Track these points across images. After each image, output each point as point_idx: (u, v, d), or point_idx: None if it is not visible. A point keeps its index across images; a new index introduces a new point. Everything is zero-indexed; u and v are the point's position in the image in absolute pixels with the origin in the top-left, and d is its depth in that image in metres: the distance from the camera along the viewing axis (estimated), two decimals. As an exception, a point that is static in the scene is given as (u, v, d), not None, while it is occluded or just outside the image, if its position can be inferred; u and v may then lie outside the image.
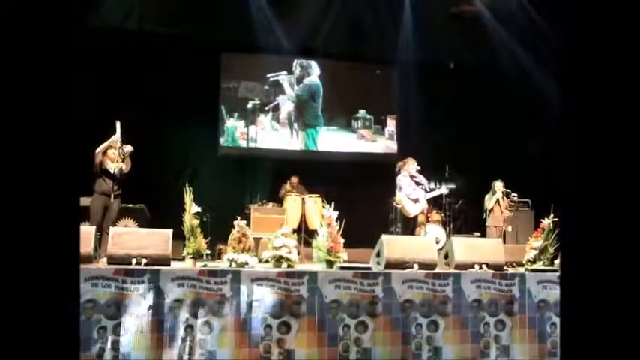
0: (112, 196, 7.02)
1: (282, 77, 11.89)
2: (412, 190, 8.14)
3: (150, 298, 4.58)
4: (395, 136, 12.52)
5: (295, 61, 12.00)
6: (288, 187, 10.51)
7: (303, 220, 9.78)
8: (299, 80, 12.05)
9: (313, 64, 12.10)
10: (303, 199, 9.94)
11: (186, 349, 4.58)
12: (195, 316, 4.63)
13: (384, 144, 12.51)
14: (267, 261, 5.23)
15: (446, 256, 5.79)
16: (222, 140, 11.68)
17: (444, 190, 9.39)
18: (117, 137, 6.98)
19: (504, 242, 8.26)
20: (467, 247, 5.74)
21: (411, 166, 8.22)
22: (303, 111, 12.07)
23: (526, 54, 10.48)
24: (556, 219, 5.81)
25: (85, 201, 7.67)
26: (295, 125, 12.05)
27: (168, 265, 4.88)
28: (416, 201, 8.20)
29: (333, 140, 12.24)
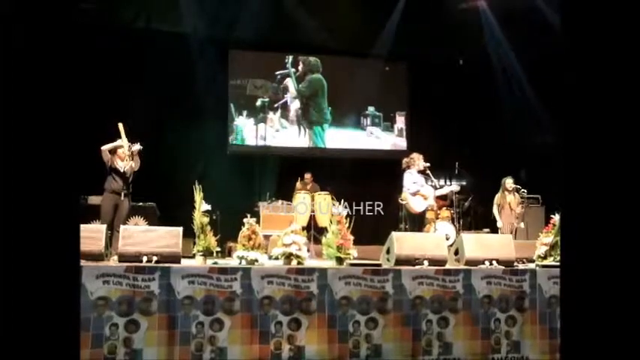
0: (123, 194, 7.06)
1: (288, 79, 11.91)
2: (420, 187, 8.09)
3: (161, 296, 4.60)
4: (404, 133, 12.51)
5: (298, 57, 12.01)
6: (298, 184, 10.51)
7: (312, 217, 9.79)
8: (302, 77, 12.05)
9: (316, 60, 12.09)
10: (312, 196, 9.95)
11: (197, 346, 4.60)
12: (206, 313, 4.65)
13: (393, 141, 12.50)
14: (277, 258, 5.23)
15: (456, 253, 5.77)
16: (231, 138, 11.72)
17: (454, 187, 9.33)
18: (123, 140, 7.01)
19: (515, 238, 8.22)
20: (477, 244, 5.73)
21: (418, 162, 8.16)
22: (308, 108, 12.08)
23: (535, 47, 10.42)
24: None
25: (95, 199, 7.75)
26: (303, 123, 12.07)
27: (179, 262, 4.90)
28: (422, 197, 8.14)
29: (342, 137, 12.24)
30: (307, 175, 10.65)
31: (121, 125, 6.97)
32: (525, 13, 10.16)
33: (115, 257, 5.12)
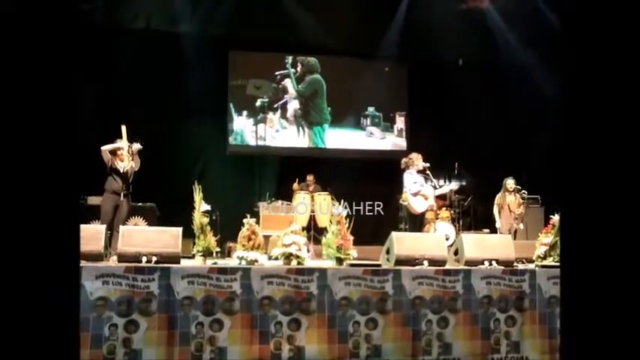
0: (123, 194, 7.06)
1: (287, 80, 11.91)
2: (420, 187, 8.08)
3: (160, 296, 4.60)
4: (404, 133, 12.51)
5: (297, 58, 12.01)
6: (295, 185, 10.47)
7: (312, 217, 9.78)
8: (301, 78, 12.05)
9: (315, 60, 12.09)
10: (312, 196, 9.95)
11: (197, 347, 4.60)
12: (205, 313, 4.65)
13: (393, 141, 12.50)
14: (276, 258, 5.24)
15: (456, 253, 5.77)
16: (231, 139, 11.71)
17: (452, 185, 9.33)
18: (124, 141, 7.02)
19: (514, 238, 8.22)
20: (476, 244, 5.73)
21: (417, 162, 8.13)
22: (308, 108, 12.08)
23: (535, 48, 10.42)
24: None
25: (95, 200, 7.75)
26: (302, 123, 12.06)
27: (179, 263, 4.90)
28: (423, 197, 8.12)
29: (342, 138, 12.23)
30: (310, 177, 10.62)
31: (124, 127, 6.98)
32: (526, 12, 10.16)
33: (115, 257, 5.12)
